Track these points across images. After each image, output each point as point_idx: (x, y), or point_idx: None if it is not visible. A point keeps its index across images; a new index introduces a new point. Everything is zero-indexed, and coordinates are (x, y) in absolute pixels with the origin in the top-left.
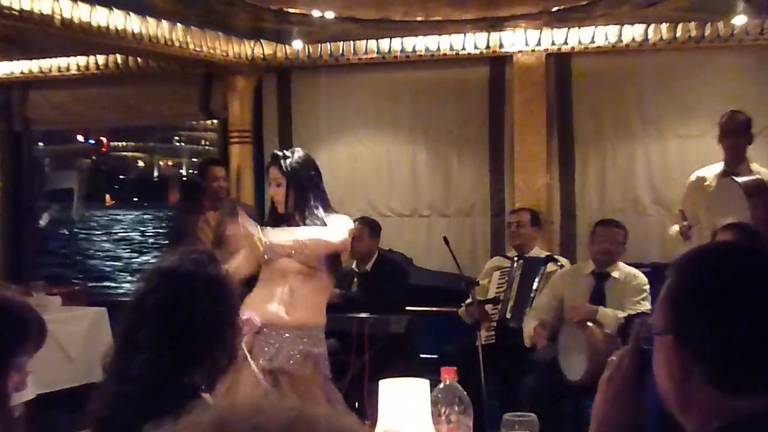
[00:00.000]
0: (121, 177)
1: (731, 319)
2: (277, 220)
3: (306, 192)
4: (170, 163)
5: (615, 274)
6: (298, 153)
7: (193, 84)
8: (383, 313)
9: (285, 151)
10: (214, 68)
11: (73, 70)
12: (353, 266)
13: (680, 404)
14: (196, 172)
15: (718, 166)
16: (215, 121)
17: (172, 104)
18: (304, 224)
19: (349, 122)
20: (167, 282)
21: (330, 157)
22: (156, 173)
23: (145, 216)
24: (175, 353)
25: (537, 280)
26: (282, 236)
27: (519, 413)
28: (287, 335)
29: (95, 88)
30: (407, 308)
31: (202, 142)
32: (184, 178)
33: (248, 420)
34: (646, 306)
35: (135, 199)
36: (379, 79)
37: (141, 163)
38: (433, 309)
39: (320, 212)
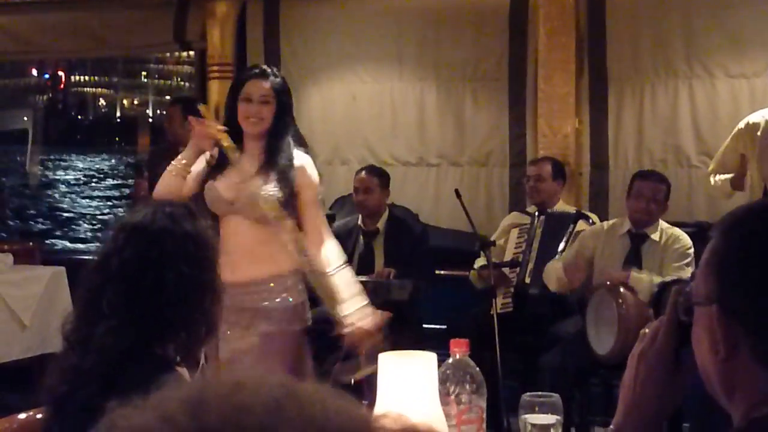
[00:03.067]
0: (79, 117)
1: None
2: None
3: (289, 122)
4: (136, 102)
5: (654, 235)
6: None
7: (165, 10)
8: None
9: (273, 68)
10: None
11: None
12: (359, 222)
13: (724, 386)
14: (164, 112)
15: None
16: (191, 53)
17: (142, 33)
18: (273, 161)
19: (347, 56)
20: (136, 239)
21: (325, 96)
22: (118, 113)
23: (110, 162)
24: (144, 321)
25: (564, 240)
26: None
27: (540, 393)
28: None
29: (54, 14)
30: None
31: (176, 79)
32: (150, 119)
33: (229, 397)
34: (689, 272)
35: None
36: (383, 5)
37: (102, 102)
38: (442, 273)
39: (291, 149)
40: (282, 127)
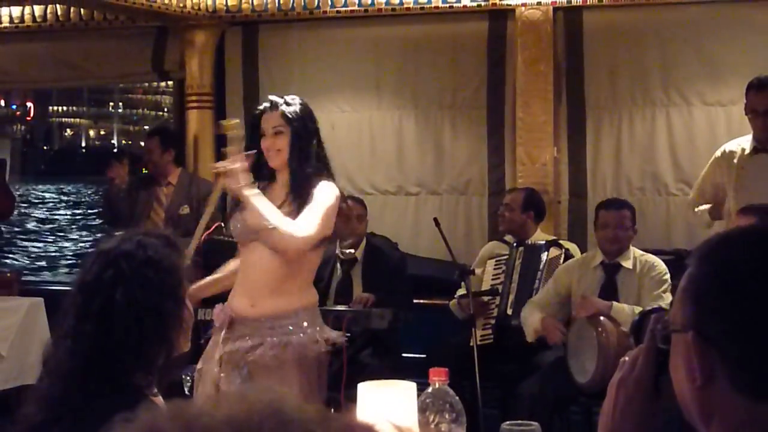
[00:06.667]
0: (45, 147)
1: (763, 314)
2: (262, 177)
3: (306, 148)
4: (102, 132)
5: (627, 263)
6: (299, 100)
7: (144, 39)
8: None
9: (285, 97)
10: (170, 21)
11: (6, 23)
12: (336, 251)
13: (701, 413)
14: (130, 142)
15: (750, 140)
16: (159, 83)
17: (121, 63)
18: (289, 191)
19: (326, 85)
20: (98, 263)
21: None
22: (93, 143)
23: (84, 192)
24: (93, 343)
25: (539, 269)
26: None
27: (519, 422)
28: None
29: (32, 43)
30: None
31: (145, 109)
32: (115, 150)
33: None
34: (667, 299)
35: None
36: (361, 35)
37: (69, 132)
38: (422, 302)
39: (310, 179)
40: (300, 153)
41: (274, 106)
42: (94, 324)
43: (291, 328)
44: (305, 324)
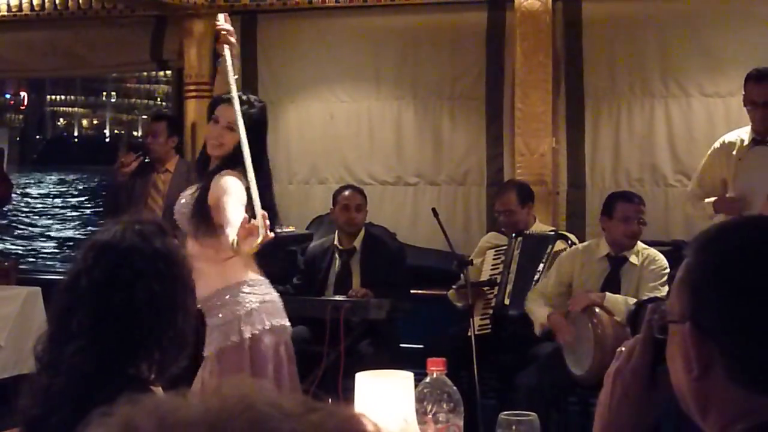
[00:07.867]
0: (37, 136)
1: (760, 305)
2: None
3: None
4: (95, 122)
5: (633, 258)
6: (261, 105)
7: (143, 28)
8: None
9: (251, 97)
10: (168, 10)
11: (4, 11)
12: (335, 241)
13: (698, 403)
14: (122, 131)
15: (748, 131)
16: (153, 72)
17: (119, 52)
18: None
19: (325, 75)
20: (105, 258)
21: (302, 115)
22: (76, 132)
23: (81, 181)
24: (113, 342)
25: (543, 260)
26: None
27: (517, 412)
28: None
29: (30, 32)
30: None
31: (139, 98)
32: (107, 140)
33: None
34: (664, 292)
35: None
36: (360, 24)
37: (62, 121)
38: (420, 292)
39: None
40: (239, 156)
41: (239, 101)
42: (115, 323)
43: (206, 312)
44: (219, 306)
